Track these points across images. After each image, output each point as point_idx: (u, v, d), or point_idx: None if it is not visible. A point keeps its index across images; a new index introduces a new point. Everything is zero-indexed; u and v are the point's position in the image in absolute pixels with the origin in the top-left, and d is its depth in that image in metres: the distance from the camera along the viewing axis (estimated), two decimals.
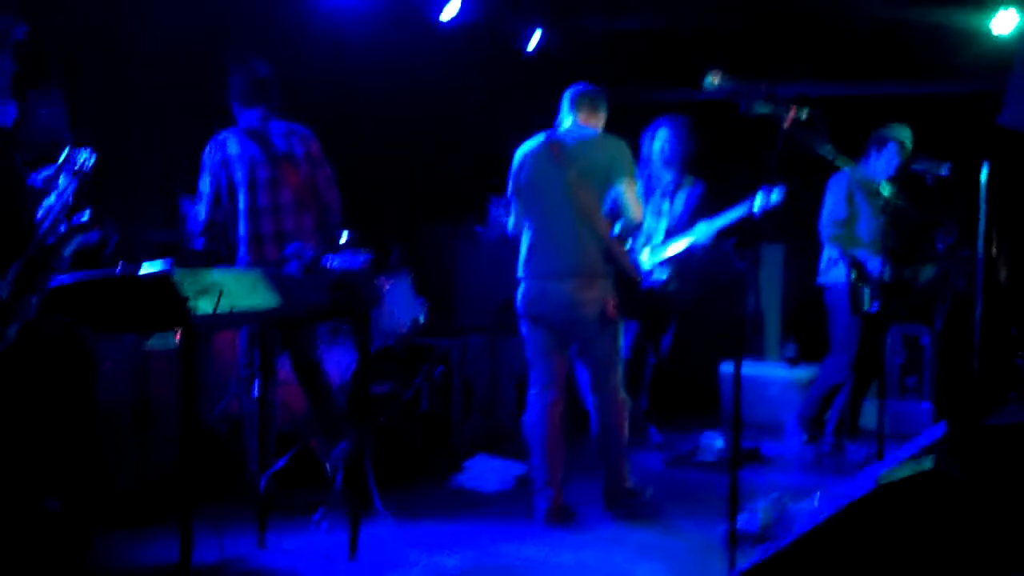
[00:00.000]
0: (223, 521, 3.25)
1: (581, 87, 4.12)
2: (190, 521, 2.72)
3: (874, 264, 4.84)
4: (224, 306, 2.77)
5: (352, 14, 5.42)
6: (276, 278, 3.24)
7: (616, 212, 3.93)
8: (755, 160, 4.69)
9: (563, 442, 4.03)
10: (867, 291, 4.88)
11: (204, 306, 2.72)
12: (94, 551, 3.39)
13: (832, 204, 5.03)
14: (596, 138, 4.02)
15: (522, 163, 4.05)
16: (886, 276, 4.71)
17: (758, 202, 4.72)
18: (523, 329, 4.06)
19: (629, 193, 3.88)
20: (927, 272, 4.99)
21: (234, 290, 2.86)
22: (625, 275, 3.96)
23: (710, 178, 5.32)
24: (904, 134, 5.06)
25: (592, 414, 4.07)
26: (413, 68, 5.87)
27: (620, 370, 4.06)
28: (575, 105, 4.06)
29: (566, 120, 4.09)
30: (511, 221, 4.17)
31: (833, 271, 5.02)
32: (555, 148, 3.95)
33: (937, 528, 2.48)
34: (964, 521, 2.48)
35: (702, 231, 5.09)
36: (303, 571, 3.36)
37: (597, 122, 4.07)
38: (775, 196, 4.82)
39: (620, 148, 3.97)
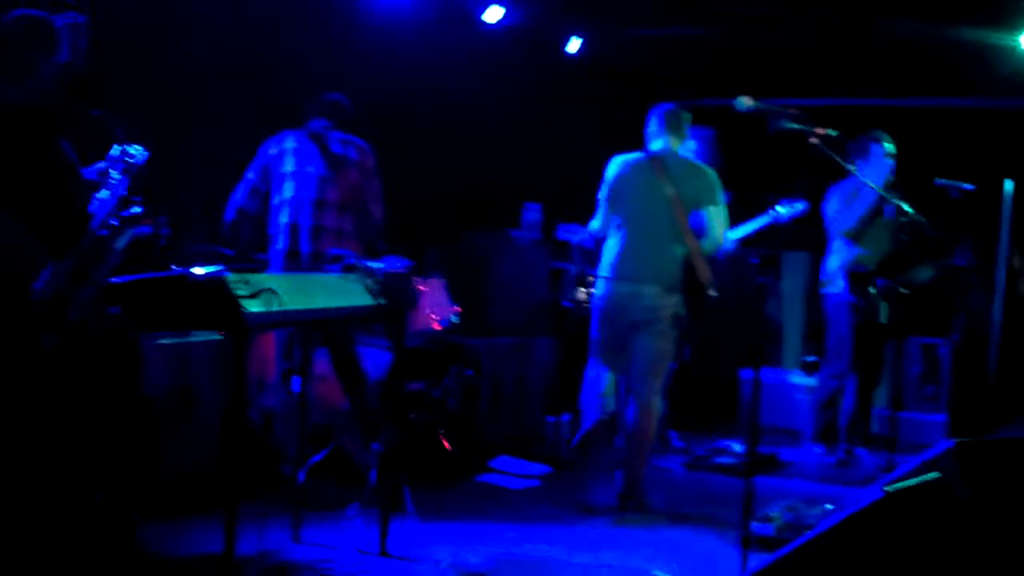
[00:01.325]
0: (260, 514, 3.38)
1: (667, 107, 4.44)
2: (235, 515, 2.83)
3: (879, 280, 4.96)
4: (275, 307, 2.88)
5: (392, 19, 5.57)
6: (322, 281, 3.40)
7: (700, 231, 4.31)
8: (779, 172, 4.83)
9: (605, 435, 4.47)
10: (865, 303, 5.00)
11: (255, 307, 2.82)
12: (138, 542, 3.56)
13: (839, 211, 5.13)
14: (693, 163, 4.45)
15: (621, 173, 4.38)
16: (886, 287, 4.85)
17: (781, 212, 4.88)
18: (595, 325, 4.40)
19: (716, 218, 4.30)
20: (924, 273, 5.07)
21: (283, 292, 2.97)
22: (701, 288, 4.29)
23: (735, 188, 5.44)
24: (883, 137, 5.14)
25: (630, 413, 4.36)
26: (451, 73, 6.01)
27: (665, 378, 4.38)
28: (665, 124, 4.39)
29: (657, 138, 4.41)
30: (597, 224, 4.49)
31: (834, 281, 5.16)
32: (658, 165, 4.32)
33: (941, 539, 2.58)
34: (969, 534, 2.59)
35: (731, 237, 5.22)
36: (335, 565, 3.51)
37: (682, 139, 4.45)
38: (797, 207, 4.94)
39: (713, 177, 4.39)
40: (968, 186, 4.67)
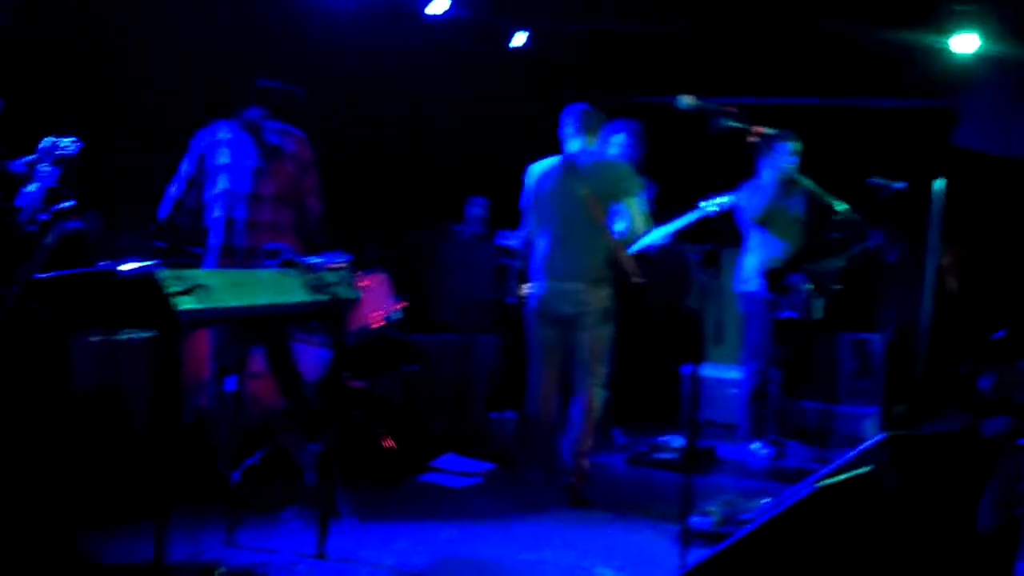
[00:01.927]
0: (195, 517, 3.31)
1: (581, 107, 4.56)
2: (166, 519, 2.76)
3: (793, 276, 5.07)
4: (209, 304, 2.79)
5: (336, 10, 5.48)
6: (259, 277, 3.32)
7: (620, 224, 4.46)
8: (719, 169, 4.91)
9: (553, 435, 4.51)
10: (783, 300, 5.12)
11: (187, 304, 2.73)
12: (75, 546, 3.46)
13: (747, 202, 5.26)
14: (606, 161, 4.63)
15: (540, 180, 4.54)
16: (801, 283, 4.97)
17: (707, 208, 4.96)
18: (531, 326, 4.53)
19: (635, 209, 4.46)
20: (834, 263, 5.19)
21: (218, 288, 2.88)
22: (627, 277, 4.48)
23: (670, 181, 5.53)
24: (790, 136, 5.26)
25: (573, 408, 4.47)
26: (395, 65, 5.96)
27: (605, 370, 4.51)
28: (580, 125, 4.51)
29: (573, 139, 4.53)
30: (524, 232, 4.65)
31: (748, 280, 5.26)
32: (570, 167, 4.47)
33: (873, 530, 2.64)
34: (899, 524, 2.65)
35: (659, 234, 5.27)
36: (271, 569, 3.43)
37: (596, 137, 4.58)
38: (724, 202, 5.02)
39: (626, 170, 4.58)
40: (899, 184, 4.79)
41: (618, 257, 4.46)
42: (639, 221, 4.47)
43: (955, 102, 6.44)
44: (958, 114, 6.46)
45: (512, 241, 5.01)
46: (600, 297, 4.41)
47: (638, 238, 4.54)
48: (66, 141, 2.96)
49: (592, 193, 4.40)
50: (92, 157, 3.17)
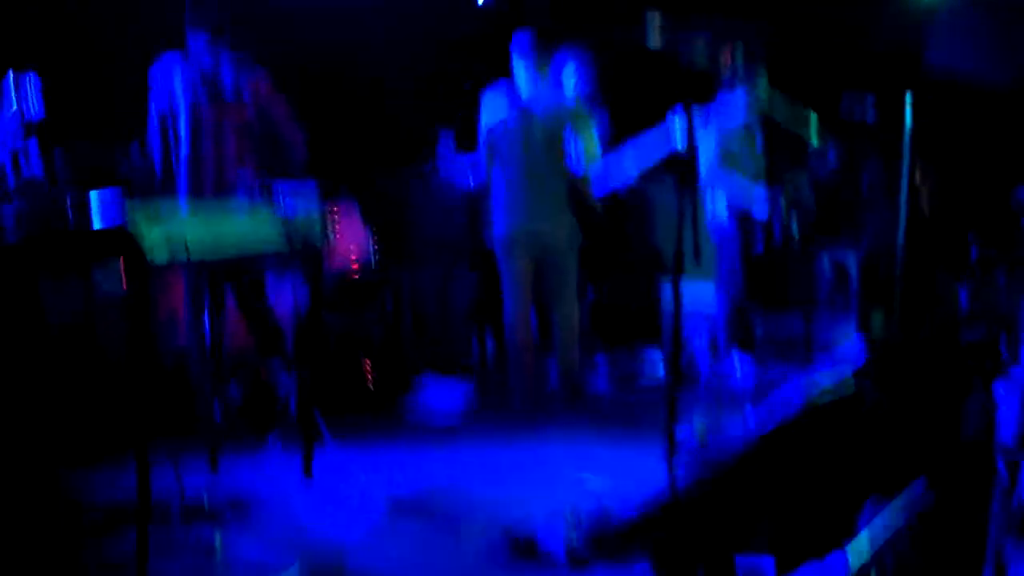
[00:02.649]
0: (177, 454, 3.27)
1: (527, 35, 4.57)
2: (147, 454, 2.76)
3: (759, 210, 5.06)
4: (181, 252, 2.78)
5: None
6: (232, 221, 3.26)
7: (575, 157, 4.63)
8: (667, 94, 4.89)
9: (535, 350, 4.68)
10: (752, 233, 5.13)
11: (160, 254, 2.73)
12: (62, 490, 3.44)
13: (715, 142, 5.20)
14: (559, 95, 4.76)
15: (492, 116, 4.59)
16: (769, 215, 5.00)
17: (679, 141, 4.94)
18: (500, 261, 4.67)
19: (589, 142, 4.63)
20: (799, 177, 5.17)
21: (190, 236, 2.87)
22: (588, 209, 4.70)
23: (620, 112, 5.49)
24: (756, 71, 5.18)
25: (553, 318, 4.68)
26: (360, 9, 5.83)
27: (575, 285, 4.72)
28: (529, 53, 4.55)
29: (520, 68, 4.57)
30: (482, 171, 4.71)
31: (717, 214, 5.25)
32: (524, 104, 4.55)
33: (855, 440, 2.67)
34: (879, 432, 2.68)
35: (629, 173, 5.24)
36: (257, 496, 3.44)
37: (547, 65, 4.63)
38: (697, 127, 5.01)
39: (580, 106, 4.77)
40: (871, 98, 4.77)
41: (579, 190, 4.65)
42: (592, 153, 4.65)
43: (926, 20, 6.41)
44: (929, 32, 6.43)
45: (459, 174, 5.03)
46: (564, 229, 4.60)
47: (598, 175, 4.73)
48: (27, 79, 2.88)
49: (548, 130, 4.53)
50: (56, 92, 3.08)
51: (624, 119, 5.42)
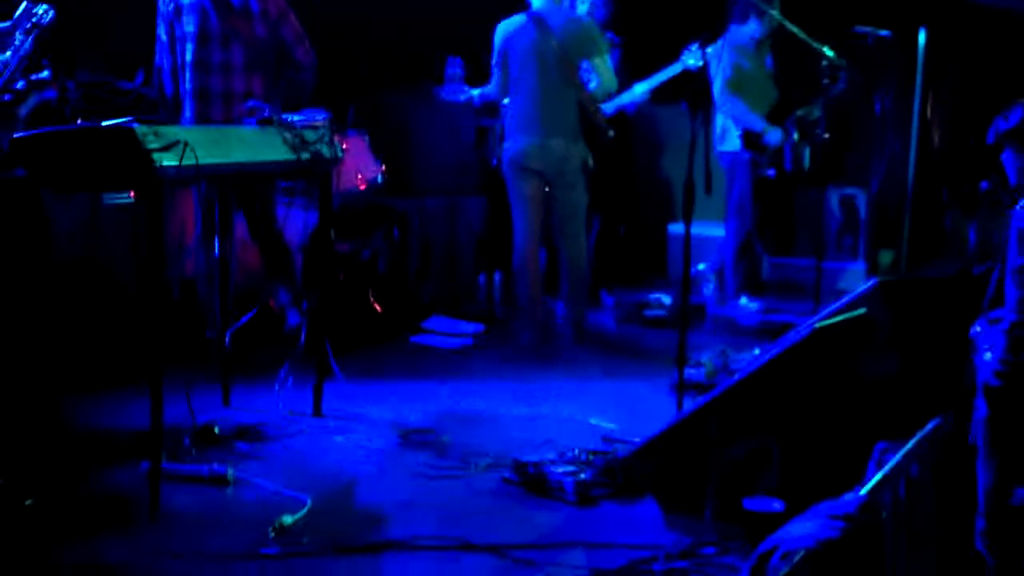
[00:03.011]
0: (187, 382, 3.25)
1: None
2: (159, 382, 2.74)
3: (771, 135, 4.99)
4: (189, 160, 2.71)
5: None
6: (239, 134, 3.21)
7: (590, 80, 4.59)
8: (678, 23, 4.77)
9: (542, 284, 4.75)
10: (763, 158, 5.06)
11: (168, 161, 2.64)
12: (62, 416, 3.45)
13: (725, 67, 5.08)
14: (573, 16, 4.72)
15: (510, 38, 4.58)
16: (779, 141, 4.93)
17: (688, 61, 4.88)
18: (512, 181, 4.63)
19: (602, 66, 4.58)
20: (813, 112, 5.06)
21: (198, 145, 2.77)
22: (598, 130, 4.68)
23: (634, 37, 5.39)
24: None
25: (562, 257, 4.71)
26: None
27: (584, 219, 4.68)
28: None
29: None
30: (493, 88, 4.73)
31: (728, 139, 5.17)
32: (539, 24, 4.51)
33: (864, 370, 2.67)
34: (889, 363, 2.68)
35: (639, 90, 5.16)
36: (269, 428, 3.46)
37: None
38: (710, 50, 4.90)
39: (592, 26, 4.71)
40: (885, 32, 4.66)
41: (590, 113, 4.62)
42: (606, 77, 4.59)
43: None
44: None
45: (461, 96, 5.01)
46: (576, 153, 4.56)
47: (610, 96, 4.73)
48: (40, 8, 2.82)
49: (563, 49, 4.48)
50: (69, 23, 3.00)
51: (637, 55, 5.31)
